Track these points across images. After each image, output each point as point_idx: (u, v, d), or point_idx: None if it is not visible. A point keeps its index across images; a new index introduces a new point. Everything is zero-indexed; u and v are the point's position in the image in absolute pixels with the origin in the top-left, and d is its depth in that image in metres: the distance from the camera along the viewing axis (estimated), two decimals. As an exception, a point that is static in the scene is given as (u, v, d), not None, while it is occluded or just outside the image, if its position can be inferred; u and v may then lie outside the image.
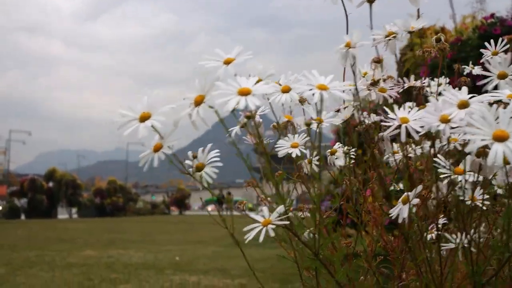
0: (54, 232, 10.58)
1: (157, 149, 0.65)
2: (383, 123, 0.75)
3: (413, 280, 0.92)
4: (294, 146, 0.84)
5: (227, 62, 0.67)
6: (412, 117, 0.70)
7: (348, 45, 0.83)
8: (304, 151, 0.84)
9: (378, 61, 0.98)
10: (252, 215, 0.69)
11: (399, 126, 0.69)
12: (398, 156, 0.90)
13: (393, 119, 0.71)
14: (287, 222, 0.67)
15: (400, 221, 0.72)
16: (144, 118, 0.63)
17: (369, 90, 0.89)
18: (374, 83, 0.89)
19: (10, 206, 21.45)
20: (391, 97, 0.88)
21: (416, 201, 0.72)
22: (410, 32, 0.86)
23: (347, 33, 0.87)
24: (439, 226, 0.84)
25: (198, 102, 0.62)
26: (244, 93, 0.61)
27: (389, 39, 0.88)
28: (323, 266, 0.68)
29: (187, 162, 0.71)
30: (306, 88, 0.64)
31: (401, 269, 1.01)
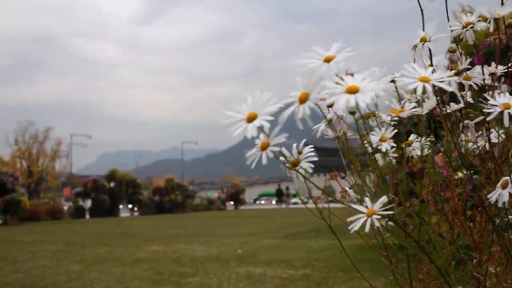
0: (119, 229, 10.98)
1: (264, 147, 0.66)
2: (485, 110, 0.76)
3: (500, 263, 0.94)
4: (383, 140, 0.84)
5: (328, 60, 0.67)
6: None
7: (423, 40, 0.85)
8: (389, 145, 0.84)
9: (453, 51, 1.00)
10: (355, 206, 0.70)
11: (501, 112, 0.70)
12: (481, 142, 0.92)
13: (495, 105, 0.72)
14: (392, 212, 0.67)
15: (500, 205, 0.72)
16: (251, 118, 0.63)
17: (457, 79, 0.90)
18: (459, 73, 0.91)
19: (75, 206, 22.37)
20: (476, 85, 0.89)
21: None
22: (496, 19, 0.87)
23: (422, 27, 0.89)
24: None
25: (303, 100, 0.62)
26: (352, 91, 0.60)
27: (467, 30, 0.89)
28: (424, 253, 0.70)
29: (282, 158, 0.73)
30: (410, 81, 0.64)
31: (482, 254, 1.03)
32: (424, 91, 0.63)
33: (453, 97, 0.99)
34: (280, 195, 35.08)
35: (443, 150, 1.04)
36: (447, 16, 0.91)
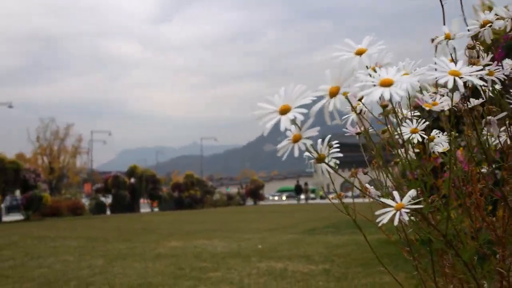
0: (140, 225, 11.10)
1: (296, 140, 0.65)
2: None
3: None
4: (414, 131, 0.83)
5: (360, 53, 0.66)
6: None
7: (448, 37, 0.85)
8: (422, 136, 0.83)
9: (472, 47, 1.00)
10: (384, 200, 0.70)
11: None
12: (503, 138, 0.91)
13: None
14: (421, 206, 0.67)
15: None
16: (285, 111, 0.62)
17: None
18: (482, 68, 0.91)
19: (96, 202, 22.65)
20: (499, 79, 0.89)
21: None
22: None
23: (444, 23, 0.89)
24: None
25: (334, 94, 0.61)
26: (387, 84, 0.59)
27: (485, 29, 0.89)
28: (451, 247, 0.70)
29: (307, 154, 0.74)
30: (441, 75, 0.64)
31: (505, 249, 1.03)
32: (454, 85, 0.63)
33: (473, 93, 1.00)
34: (299, 191, 35.04)
35: (465, 145, 1.04)
36: (462, 12, 0.91)
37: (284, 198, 56.42)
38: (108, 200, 23.89)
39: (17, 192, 17.36)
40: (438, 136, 1.04)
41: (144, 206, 26.62)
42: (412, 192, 0.69)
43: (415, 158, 0.85)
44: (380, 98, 0.59)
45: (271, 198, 56.34)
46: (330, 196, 0.87)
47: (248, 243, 6.46)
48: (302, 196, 35.19)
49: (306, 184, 36.34)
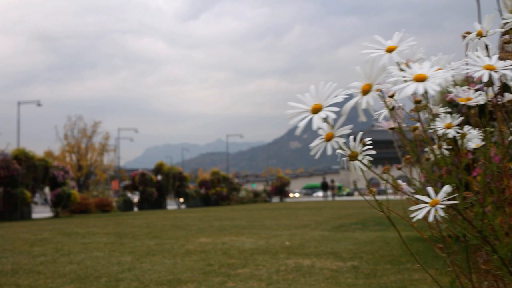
0: (168, 222, 11.22)
1: (329, 138, 0.65)
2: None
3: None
4: (448, 127, 0.83)
5: (390, 50, 0.66)
6: None
7: (479, 34, 0.84)
8: (456, 132, 0.83)
9: (508, 42, 0.99)
10: (419, 196, 0.70)
11: None
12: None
13: None
14: (457, 202, 0.67)
15: None
16: (316, 110, 0.61)
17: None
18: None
19: (124, 199, 22.98)
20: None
21: None
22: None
23: (478, 20, 0.88)
24: None
25: (366, 91, 0.60)
26: (421, 79, 0.59)
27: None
28: (487, 243, 0.70)
29: (339, 151, 0.74)
30: (476, 69, 0.64)
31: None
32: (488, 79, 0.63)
33: (504, 88, 0.99)
34: (325, 188, 34.93)
35: (496, 141, 1.03)
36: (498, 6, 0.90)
37: (297, 195, 56.56)
38: (135, 197, 24.22)
39: (46, 189, 17.73)
40: (470, 132, 1.03)
41: (171, 203, 26.86)
42: (447, 188, 0.68)
43: (448, 154, 0.85)
44: (413, 93, 0.59)
45: (291, 196, 56.71)
46: (362, 192, 0.87)
47: (276, 240, 6.47)
48: (329, 193, 35.09)
49: (332, 181, 36.20)
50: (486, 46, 0.87)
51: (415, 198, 0.70)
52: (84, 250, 5.90)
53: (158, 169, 25.58)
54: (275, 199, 34.76)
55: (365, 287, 3.28)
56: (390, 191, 0.90)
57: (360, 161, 0.73)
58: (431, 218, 0.66)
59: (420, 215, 0.67)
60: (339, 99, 0.61)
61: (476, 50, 0.86)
